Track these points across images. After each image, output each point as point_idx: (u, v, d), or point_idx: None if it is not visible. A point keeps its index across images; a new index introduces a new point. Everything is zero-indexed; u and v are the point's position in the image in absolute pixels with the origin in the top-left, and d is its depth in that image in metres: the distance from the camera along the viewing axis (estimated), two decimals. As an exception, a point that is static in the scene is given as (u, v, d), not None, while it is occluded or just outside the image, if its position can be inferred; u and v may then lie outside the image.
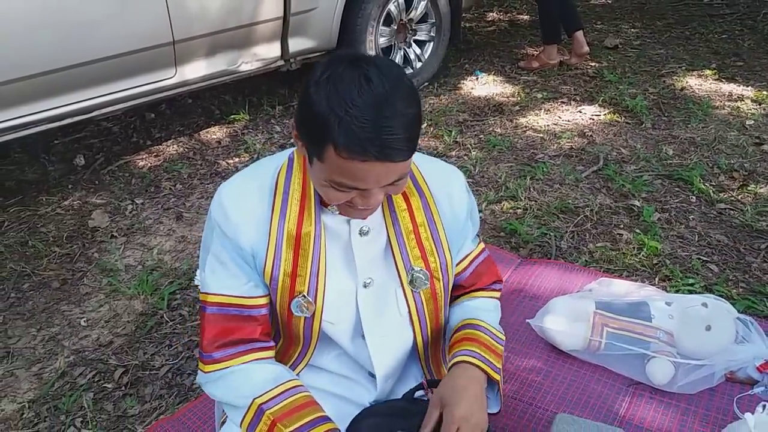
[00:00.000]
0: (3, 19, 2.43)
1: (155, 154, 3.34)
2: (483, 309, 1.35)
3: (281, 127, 3.56)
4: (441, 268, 1.23)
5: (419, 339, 1.26)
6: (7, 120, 2.59)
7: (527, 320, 1.90)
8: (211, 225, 1.17)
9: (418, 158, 1.26)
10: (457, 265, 1.32)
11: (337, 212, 1.16)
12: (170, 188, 3.02)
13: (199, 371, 1.20)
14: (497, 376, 1.23)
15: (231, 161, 3.23)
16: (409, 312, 1.23)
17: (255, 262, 1.15)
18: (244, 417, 1.13)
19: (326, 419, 1.14)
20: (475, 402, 1.15)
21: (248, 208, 1.13)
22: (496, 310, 1.39)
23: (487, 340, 1.26)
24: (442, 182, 1.25)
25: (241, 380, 1.16)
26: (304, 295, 1.15)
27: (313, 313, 1.17)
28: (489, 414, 1.21)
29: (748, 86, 3.83)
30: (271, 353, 1.21)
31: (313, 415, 1.12)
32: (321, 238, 1.15)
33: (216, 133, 3.54)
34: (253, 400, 1.13)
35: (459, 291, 1.37)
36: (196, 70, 3.10)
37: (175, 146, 3.41)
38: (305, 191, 1.15)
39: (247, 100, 3.85)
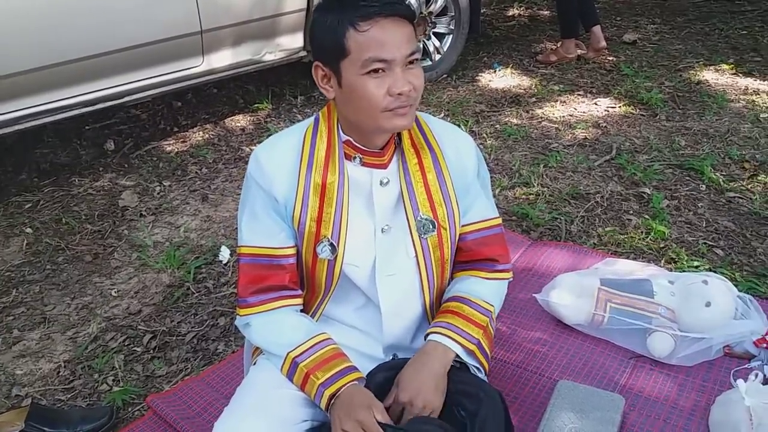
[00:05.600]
0: (39, 7, 2.56)
1: (182, 140, 3.47)
2: (479, 288, 1.39)
3: (303, 116, 3.67)
4: (448, 218, 1.34)
5: (425, 284, 1.36)
6: (42, 104, 2.73)
7: (534, 294, 1.99)
8: (248, 185, 1.31)
9: (429, 119, 1.39)
10: (466, 225, 1.40)
11: (360, 164, 1.29)
12: (196, 172, 3.14)
13: (237, 316, 1.34)
14: (471, 346, 1.30)
15: (255, 147, 3.34)
16: (416, 255, 1.33)
17: (286, 211, 1.28)
18: (282, 366, 1.27)
19: (353, 369, 1.26)
20: (424, 384, 1.23)
21: (279, 162, 1.28)
22: (494, 287, 1.42)
23: (468, 311, 1.34)
24: (451, 139, 1.38)
25: (275, 332, 1.30)
26: (328, 239, 1.27)
27: (336, 257, 1.28)
28: (484, 379, 1.31)
29: (765, 80, 3.86)
30: (299, 300, 1.34)
31: (341, 366, 1.25)
32: (344, 187, 1.28)
33: (240, 121, 3.67)
34: (287, 353, 1.27)
35: (461, 255, 1.43)
36: (222, 59, 3.23)
37: (200, 133, 3.54)
38: (330, 145, 1.28)
39: (270, 90, 3.97)
